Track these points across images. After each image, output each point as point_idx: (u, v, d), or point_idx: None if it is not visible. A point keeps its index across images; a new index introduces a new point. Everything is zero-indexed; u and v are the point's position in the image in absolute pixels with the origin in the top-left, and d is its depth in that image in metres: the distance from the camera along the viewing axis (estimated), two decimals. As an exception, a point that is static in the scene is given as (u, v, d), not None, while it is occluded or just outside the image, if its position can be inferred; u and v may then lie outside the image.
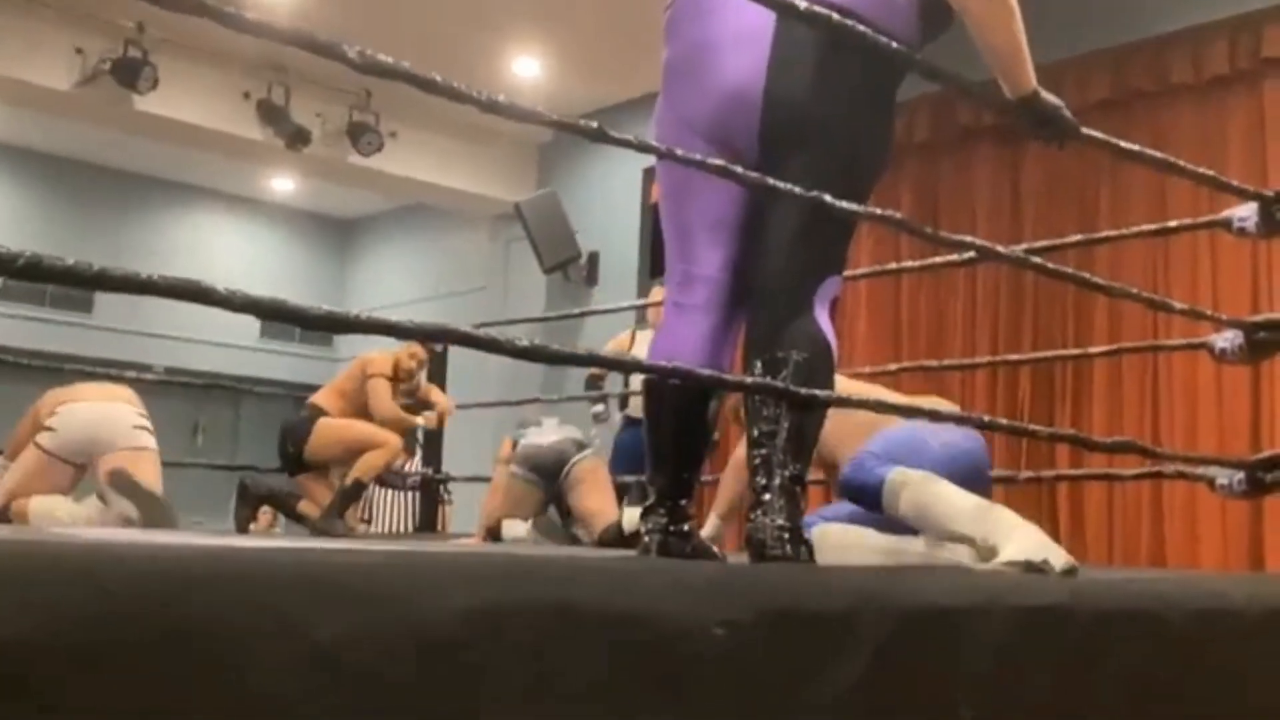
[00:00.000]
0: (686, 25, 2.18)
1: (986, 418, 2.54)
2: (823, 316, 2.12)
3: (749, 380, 1.96)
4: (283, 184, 10.60)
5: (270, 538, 4.93)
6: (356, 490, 4.45)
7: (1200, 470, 2.98)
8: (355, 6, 6.71)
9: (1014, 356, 4.31)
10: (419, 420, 4.72)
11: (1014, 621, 1.61)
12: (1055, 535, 5.77)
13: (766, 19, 2.06)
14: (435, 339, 1.33)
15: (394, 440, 4.44)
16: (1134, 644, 1.78)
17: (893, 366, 4.61)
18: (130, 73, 6.92)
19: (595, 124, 1.68)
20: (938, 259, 3.83)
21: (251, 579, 1.05)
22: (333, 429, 4.42)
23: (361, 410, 4.50)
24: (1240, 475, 2.85)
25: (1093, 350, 4.20)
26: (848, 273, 5.57)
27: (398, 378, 4.57)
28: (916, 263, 3.84)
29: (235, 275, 10.62)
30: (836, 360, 2.14)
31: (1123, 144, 2.57)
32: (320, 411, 4.48)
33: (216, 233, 10.99)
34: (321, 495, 4.43)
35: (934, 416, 2.24)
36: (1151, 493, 5.52)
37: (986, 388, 6.16)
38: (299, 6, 6.73)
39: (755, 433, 2.03)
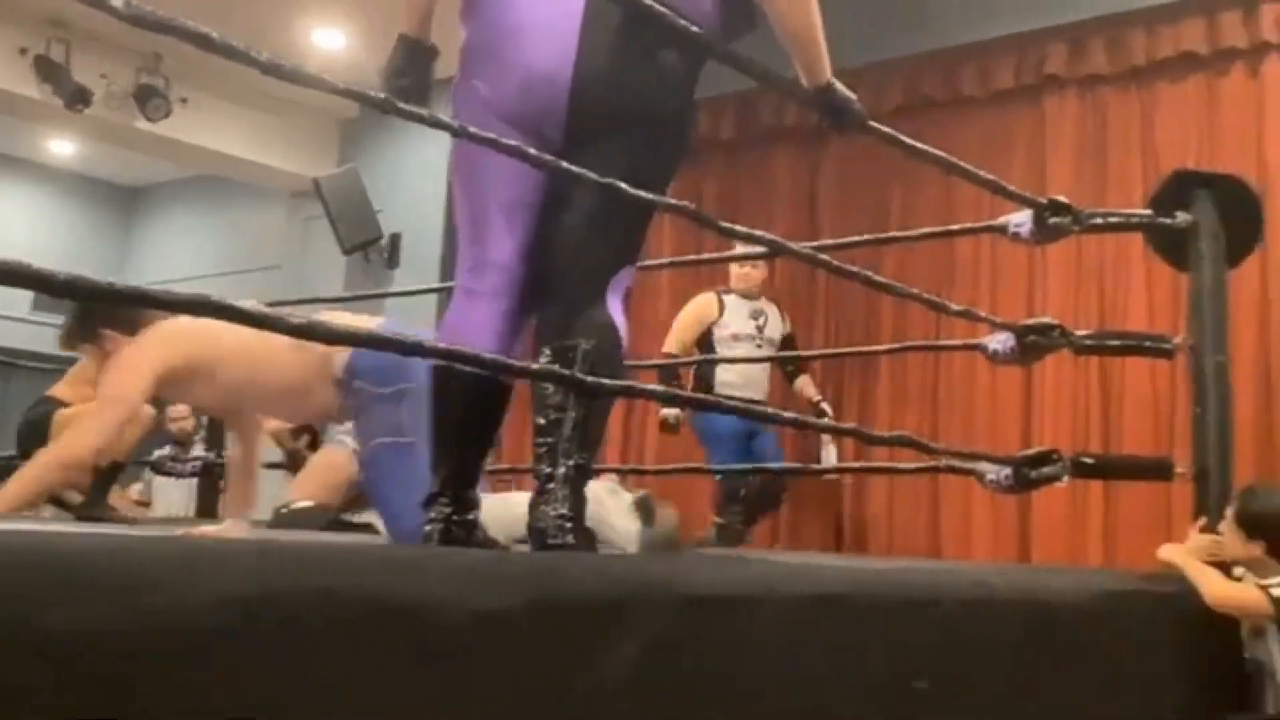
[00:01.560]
0: (489, 6, 2.13)
1: (771, 410, 2.59)
2: (615, 306, 2.11)
3: (534, 367, 1.93)
4: (61, 146, 10.00)
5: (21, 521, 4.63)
6: (114, 472, 4.25)
7: (971, 466, 3.11)
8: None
9: (803, 353, 4.43)
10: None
11: (791, 609, 1.63)
12: (838, 528, 5.93)
13: (574, 4, 2.03)
14: (193, 310, 1.26)
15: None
16: (902, 631, 1.84)
17: (683, 359, 4.67)
18: (-111, 17, 6.38)
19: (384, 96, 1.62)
20: (735, 252, 3.89)
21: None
22: (68, 419, 4.17)
23: None
24: (1007, 471, 2.99)
25: (877, 348, 4.35)
26: (649, 262, 5.61)
27: None
28: (713, 255, 3.89)
29: (9, 236, 9.97)
30: (627, 350, 2.14)
31: (906, 140, 2.66)
32: (57, 403, 4.24)
33: (-11, 194, 10.28)
34: (83, 482, 4.20)
35: (721, 407, 2.26)
36: (929, 486, 5.76)
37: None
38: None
39: (541, 421, 2.01)
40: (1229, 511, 2.71)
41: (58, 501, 4.26)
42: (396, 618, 1.20)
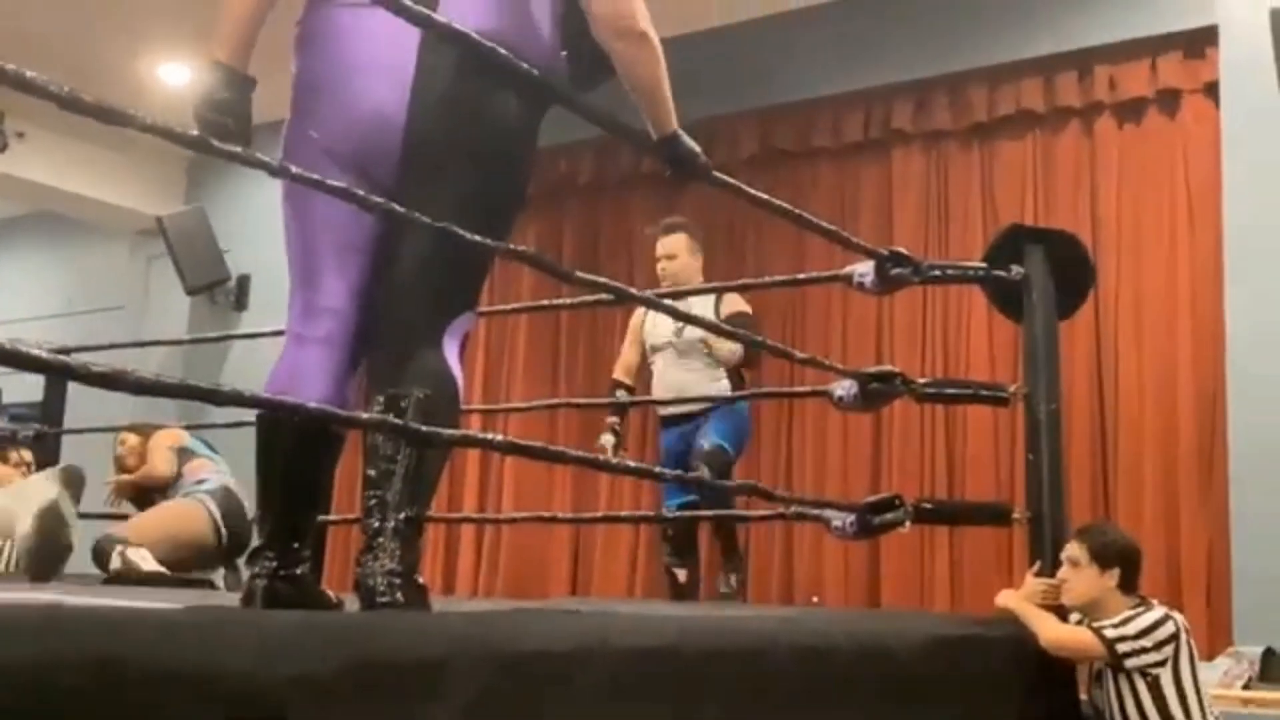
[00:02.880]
0: (322, 44, 2.08)
1: (633, 464, 2.56)
2: (451, 353, 2.06)
3: (364, 416, 1.87)
4: (-111, 181, 9.49)
5: None
6: None
7: (817, 512, 3.13)
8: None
9: (654, 399, 4.43)
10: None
11: (619, 662, 1.60)
12: (695, 574, 5.95)
13: (409, 45, 2.00)
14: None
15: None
16: (738, 680, 1.82)
17: (542, 403, 4.62)
18: None
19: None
20: (586, 298, 3.87)
21: None
22: None
23: None
24: (852, 518, 3.01)
25: (731, 395, 4.37)
26: (505, 306, 5.52)
27: None
28: (564, 300, 3.87)
29: None
30: (461, 399, 2.09)
31: (750, 191, 2.68)
32: None
33: None
34: None
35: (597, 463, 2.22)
36: (783, 533, 5.80)
37: (637, 427, 6.31)
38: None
39: (371, 473, 1.94)
40: (1078, 549, 2.79)
41: None
42: (201, 686, 1.13)
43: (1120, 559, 2.78)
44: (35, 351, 1.33)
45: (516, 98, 2.08)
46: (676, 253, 4.54)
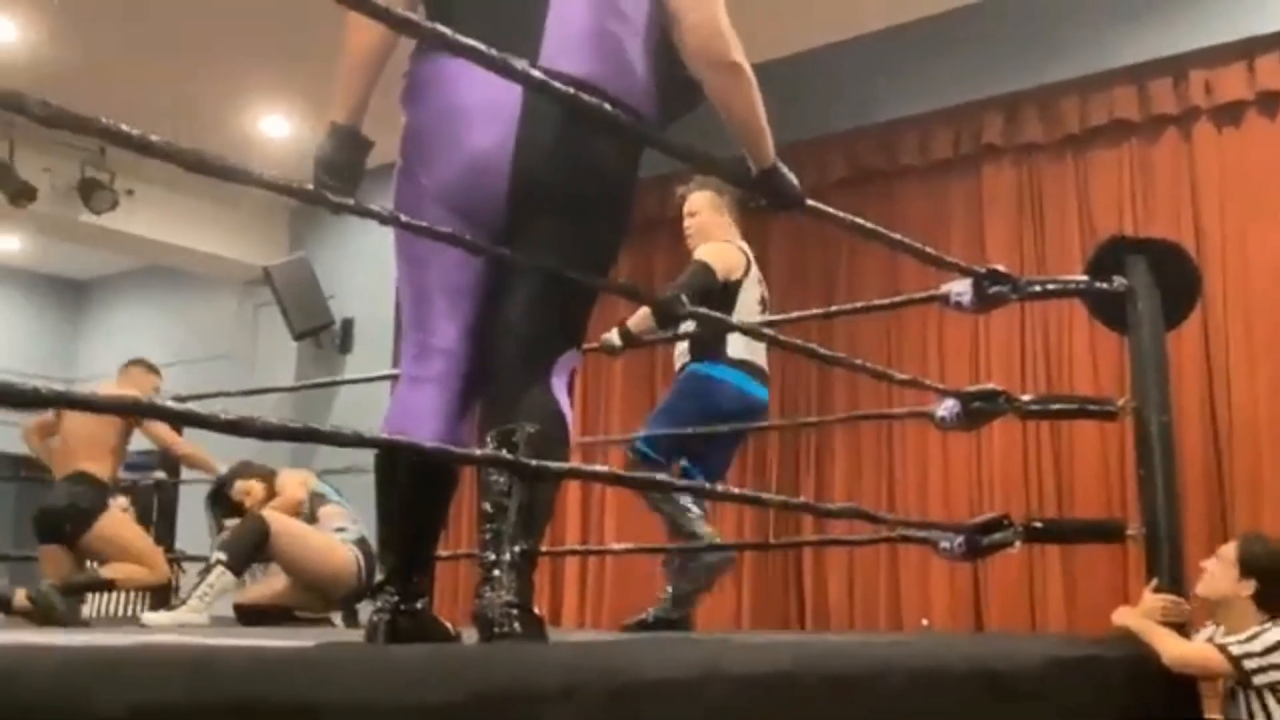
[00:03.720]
0: (429, 93, 2.14)
1: (720, 488, 2.58)
2: (559, 389, 2.10)
3: (478, 453, 1.92)
4: (7, 243, 9.92)
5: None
6: (104, 587, 4.39)
7: (924, 534, 3.10)
8: (97, 56, 6.39)
9: (757, 424, 4.42)
10: (219, 467, 4.65)
11: (734, 690, 1.61)
12: (800, 604, 5.86)
13: (513, 90, 2.04)
14: (122, 411, 1.24)
15: (164, 570, 4.48)
16: (853, 706, 1.81)
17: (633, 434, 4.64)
18: None
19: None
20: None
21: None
22: (117, 529, 4.35)
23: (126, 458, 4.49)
24: (960, 539, 2.99)
25: (830, 419, 4.35)
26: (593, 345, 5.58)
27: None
28: (662, 334, 3.89)
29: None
30: (571, 433, 2.13)
31: (845, 216, 2.68)
32: (102, 487, 4.30)
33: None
34: (60, 566, 4.23)
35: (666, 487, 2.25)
36: (888, 555, 5.74)
37: (737, 459, 6.30)
38: (32, 53, 6.36)
39: (487, 507, 1.99)
40: (1232, 548, 2.77)
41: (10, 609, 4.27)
42: None
43: (1261, 574, 2.74)
44: (169, 403, 1.40)
45: (618, 139, 2.13)
46: (698, 209, 4.30)
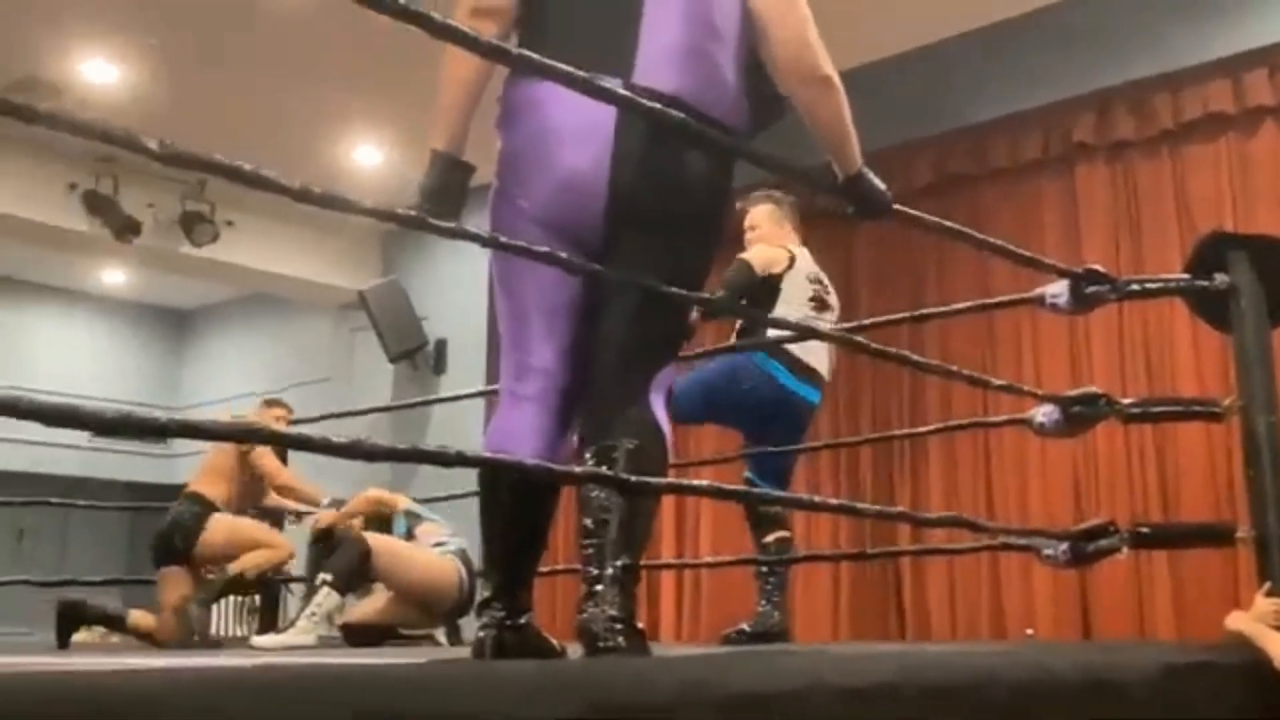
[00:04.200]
0: (524, 116, 2.17)
1: (817, 499, 2.58)
2: (657, 404, 2.12)
3: (578, 470, 1.95)
4: (113, 276, 10.27)
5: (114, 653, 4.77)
6: (237, 585, 4.44)
7: (1027, 541, 3.06)
8: (194, 92, 6.60)
9: (848, 440, 4.39)
10: (323, 499, 4.69)
11: (838, 700, 1.61)
12: (900, 614, 5.79)
13: (607, 109, 2.07)
14: (241, 439, 1.29)
15: (287, 545, 4.49)
16: (958, 717, 1.80)
17: (729, 454, 4.65)
18: (-52, 165, 6.65)
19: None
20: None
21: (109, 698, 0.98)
22: (227, 527, 4.38)
23: (249, 488, 4.48)
24: (1064, 546, 2.94)
25: (924, 429, 4.31)
26: (690, 350, 5.61)
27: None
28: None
29: (62, 371, 10.19)
30: (670, 448, 2.15)
31: (933, 220, 2.67)
32: (209, 504, 4.38)
33: (43, 328, 10.54)
34: (178, 587, 4.31)
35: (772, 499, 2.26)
36: (989, 564, 5.66)
37: (830, 469, 6.27)
38: (132, 92, 6.59)
39: (588, 523, 2.02)
40: None
41: (129, 631, 4.36)
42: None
43: None
44: (282, 429, 1.44)
45: (711, 154, 2.16)
46: (758, 223, 4.31)
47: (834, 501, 2.54)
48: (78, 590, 4.55)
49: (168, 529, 4.40)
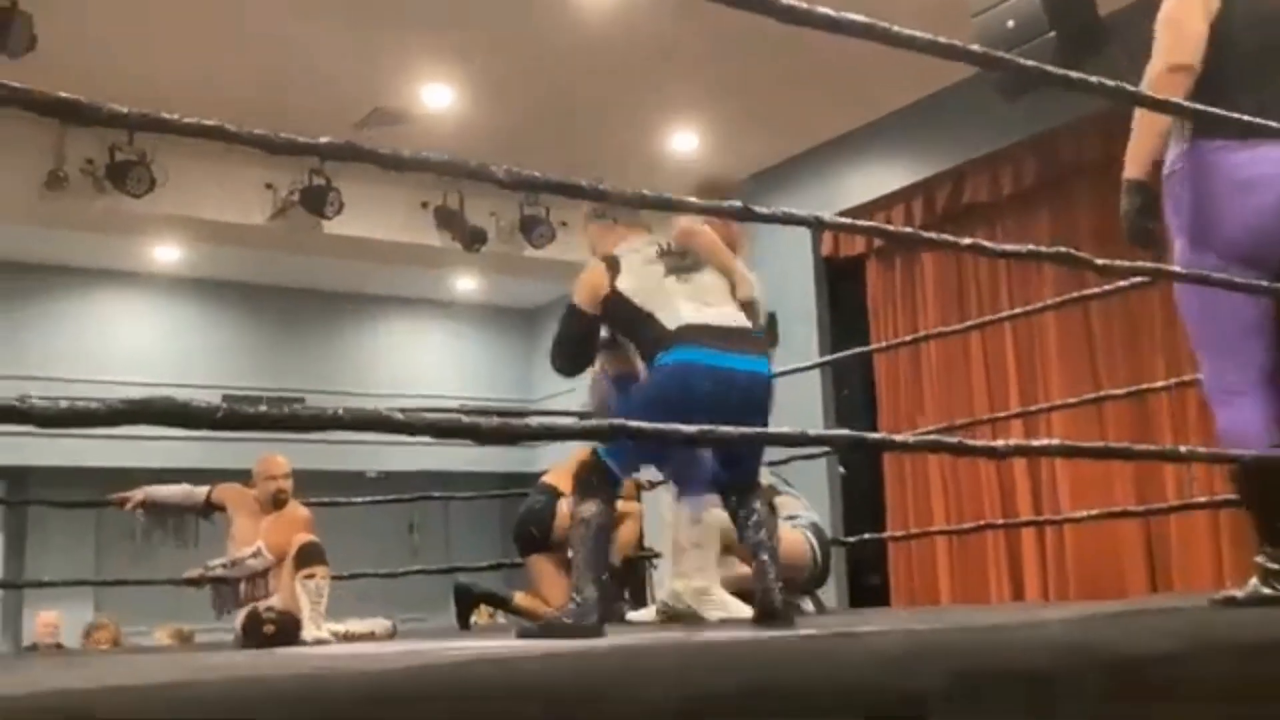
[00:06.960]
0: (1211, 174, 2.59)
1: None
2: None
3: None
4: (465, 283, 11.00)
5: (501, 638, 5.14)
6: (627, 570, 4.71)
7: None
8: (516, 102, 6.97)
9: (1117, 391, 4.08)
10: None
11: (1230, 660, 1.55)
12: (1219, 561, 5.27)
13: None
14: (594, 438, 1.39)
15: (636, 508, 4.71)
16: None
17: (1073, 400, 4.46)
18: (317, 200, 7.37)
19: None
20: (1120, 284, 3.70)
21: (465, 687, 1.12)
22: None
23: None
24: None
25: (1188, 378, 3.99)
26: (1032, 307, 5.38)
27: None
28: (1095, 290, 3.70)
29: (429, 374, 11.08)
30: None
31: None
32: (557, 491, 4.67)
33: (409, 336, 11.48)
34: (550, 574, 4.58)
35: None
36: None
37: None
38: (463, 112, 7.05)
39: None
40: None
41: (514, 610, 4.71)
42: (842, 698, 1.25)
43: None
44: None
45: None
46: (590, 247, 3.99)
47: (1203, 451, 2.48)
48: (464, 577, 4.95)
49: (522, 520, 4.71)
